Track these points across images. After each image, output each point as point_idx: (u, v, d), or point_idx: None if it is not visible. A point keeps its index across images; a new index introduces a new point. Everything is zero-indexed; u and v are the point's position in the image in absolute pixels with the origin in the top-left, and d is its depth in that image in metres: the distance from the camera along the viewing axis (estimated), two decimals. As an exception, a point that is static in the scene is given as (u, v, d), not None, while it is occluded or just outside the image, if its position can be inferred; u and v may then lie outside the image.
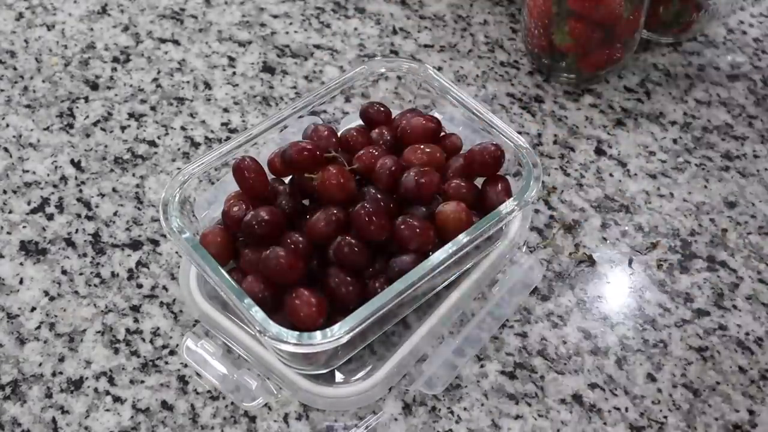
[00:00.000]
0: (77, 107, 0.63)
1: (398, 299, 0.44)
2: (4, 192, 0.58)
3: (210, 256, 0.46)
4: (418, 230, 0.47)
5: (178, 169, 0.57)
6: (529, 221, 0.55)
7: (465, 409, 0.49)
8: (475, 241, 0.47)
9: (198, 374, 0.49)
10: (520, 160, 0.50)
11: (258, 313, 0.43)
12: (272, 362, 0.48)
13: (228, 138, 0.61)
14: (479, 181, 0.51)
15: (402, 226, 0.47)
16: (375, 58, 0.56)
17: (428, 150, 0.51)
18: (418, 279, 0.45)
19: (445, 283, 0.51)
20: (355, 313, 0.43)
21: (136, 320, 0.52)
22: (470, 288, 0.51)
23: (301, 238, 0.47)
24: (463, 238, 0.46)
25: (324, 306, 0.46)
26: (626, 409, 0.50)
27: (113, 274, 0.54)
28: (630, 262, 0.56)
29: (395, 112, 0.55)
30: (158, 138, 0.62)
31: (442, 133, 0.53)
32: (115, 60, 0.66)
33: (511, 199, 0.48)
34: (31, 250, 0.55)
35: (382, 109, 0.54)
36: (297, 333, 0.43)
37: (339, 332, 0.43)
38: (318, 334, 0.43)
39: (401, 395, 0.49)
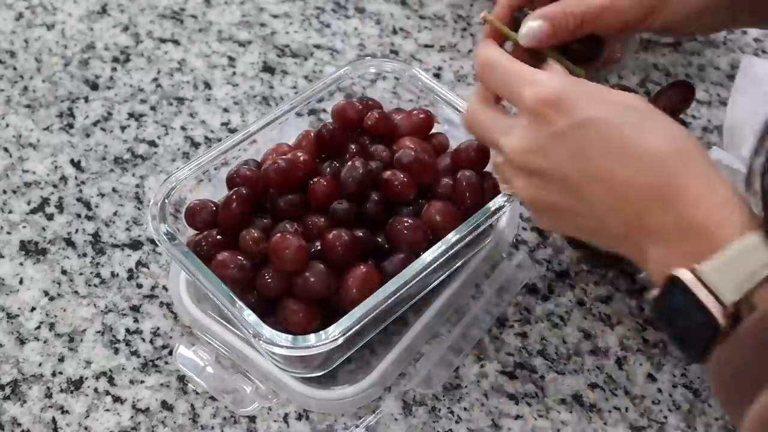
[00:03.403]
0: (77, 107, 0.63)
1: (392, 299, 0.44)
2: (4, 192, 0.58)
3: (201, 262, 0.46)
4: (411, 229, 0.47)
5: (177, 168, 0.57)
6: (518, 217, 0.55)
7: (465, 409, 0.49)
8: (465, 239, 0.47)
9: (190, 380, 0.48)
10: None
11: (251, 317, 0.43)
12: (266, 366, 0.47)
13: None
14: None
15: (397, 226, 0.47)
16: (366, 57, 0.57)
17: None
18: (410, 278, 0.45)
19: (437, 281, 0.51)
20: (350, 314, 0.43)
21: (136, 320, 0.52)
22: (461, 285, 0.52)
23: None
24: (453, 235, 0.46)
25: (314, 311, 0.45)
26: (626, 409, 0.50)
27: (113, 274, 0.54)
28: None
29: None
30: (158, 138, 0.61)
31: (432, 131, 0.53)
32: (115, 60, 0.66)
33: (500, 195, 0.48)
34: (31, 250, 0.55)
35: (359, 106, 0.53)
36: (291, 336, 0.43)
37: (334, 333, 0.43)
38: (312, 336, 0.43)
39: (401, 395, 0.49)
